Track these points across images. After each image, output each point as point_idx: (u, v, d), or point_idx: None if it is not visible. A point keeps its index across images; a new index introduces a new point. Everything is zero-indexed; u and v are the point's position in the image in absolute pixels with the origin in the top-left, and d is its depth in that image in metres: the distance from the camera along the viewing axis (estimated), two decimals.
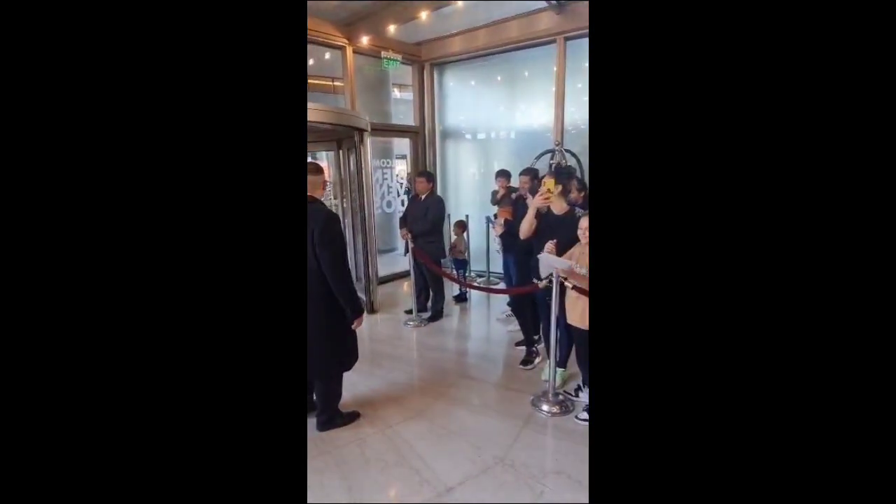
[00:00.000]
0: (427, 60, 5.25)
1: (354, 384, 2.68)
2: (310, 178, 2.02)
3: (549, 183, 2.29)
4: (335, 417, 2.24)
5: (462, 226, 4.47)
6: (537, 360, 2.96)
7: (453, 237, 4.47)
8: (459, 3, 3.87)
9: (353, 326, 2.11)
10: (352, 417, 2.30)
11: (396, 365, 2.97)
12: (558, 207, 2.37)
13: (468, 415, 2.33)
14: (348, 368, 2.22)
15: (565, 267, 2.14)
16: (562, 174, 2.46)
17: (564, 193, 2.38)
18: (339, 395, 2.26)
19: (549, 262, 2.21)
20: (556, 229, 2.29)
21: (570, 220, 2.28)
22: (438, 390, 2.61)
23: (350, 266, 4.74)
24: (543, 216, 2.43)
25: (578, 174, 3.68)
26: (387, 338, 3.49)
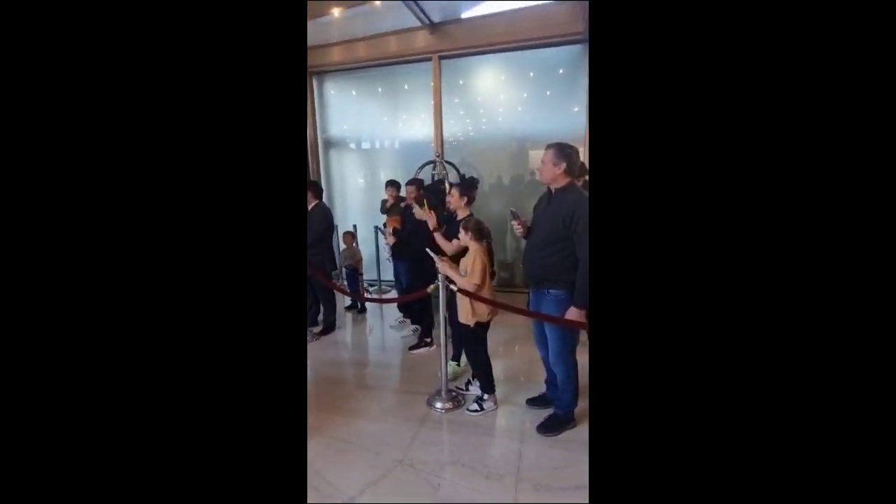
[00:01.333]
0: (308, 68, 5.11)
1: None
2: None
3: (420, 207, 2.81)
4: None
5: (351, 236, 4.45)
6: (426, 345, 3.27)
7: (342, 247, 4.42)
8: (336, 13, 3.88)
9: None
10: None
11: None
12: (463, 214, 2.65)
13: (366, 424, 2.36)
14: None
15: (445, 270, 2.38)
16: (467, 186, 2.78)
17: (469, 203, 2.69)
18: None
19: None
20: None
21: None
22: (335, 404, 2.58)
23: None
24: (450, 222, 2.74)
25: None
26: None
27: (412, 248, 3.16)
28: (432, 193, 3.07)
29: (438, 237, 2.66)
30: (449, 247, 2.58)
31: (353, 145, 5.43)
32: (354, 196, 5.52)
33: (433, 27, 4.33)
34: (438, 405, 2.49)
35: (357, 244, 4.48)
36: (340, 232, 4.52)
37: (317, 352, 3.40)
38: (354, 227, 4.79)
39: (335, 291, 3.67)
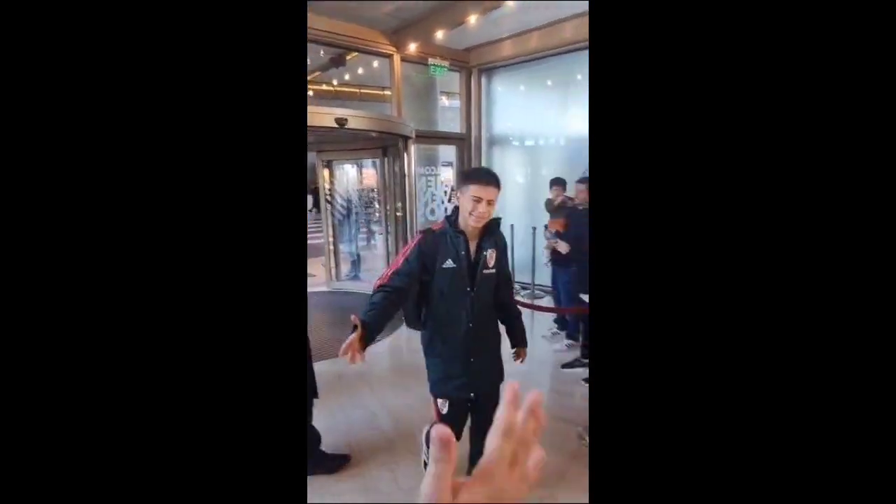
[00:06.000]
0: (475, 66, 5.15)
1: (396, 404, 2.58)
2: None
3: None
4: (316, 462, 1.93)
5: None
6: (581, 364, 2.81)
7: None
8: (510, 4, 3.73)
9: None
10: (338, 461, 1.98)
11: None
12: None
13: None
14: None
15: None
16: None
17: None
18: (316, 436, 1.93)
19: None
20: None
21: None
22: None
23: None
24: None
25: None
26: None
27: (576, 255, 2.81)
28: None
29: None
30: None
31: (516, 142, 5.27)
32: (513, 195, 5.35)
33: None
34: None
35: (512, 243, 4.30)
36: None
37: None
38: (511, 227, 4.63)
39: None
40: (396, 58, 4.52)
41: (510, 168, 5.36)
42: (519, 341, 1.69)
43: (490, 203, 1.37)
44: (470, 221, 1.38)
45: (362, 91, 7.01)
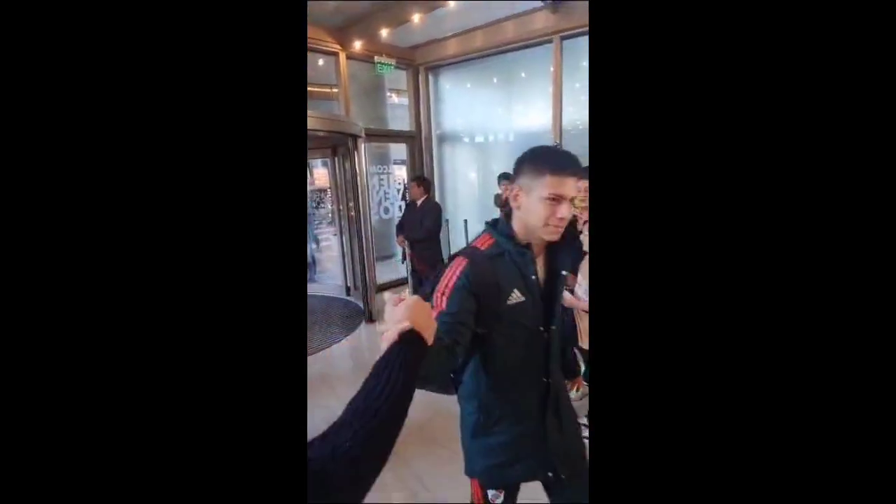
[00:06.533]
0: (421, 64, 5.18)
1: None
2: None
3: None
4: None
5: None
6: None
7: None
8: (452, 4, 3.80)
9: None
10: None
11: None
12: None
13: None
14: None
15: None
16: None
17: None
18: None
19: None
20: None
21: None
22: (439, 405, 2.51)
23: (347, 273, 4.62)
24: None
25: None
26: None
27: None
28: None
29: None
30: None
31: (466, 139, 5.37)
32: (467, 191, 5.46)
33: (555, 6, 4.00)
34: None
35: (467, 239, 4.40)
36: (451, 226, 4.48)
37: None
38: (465, 221, 4.73)
39: None
40: (342, 55, 4.47)
41: (462, 165, 5.45)
42: (574, 367, 1.19)
43: (571, 202, 0.90)
44: (544, 234, 0.91)
45: (309, 89, 6.85)
